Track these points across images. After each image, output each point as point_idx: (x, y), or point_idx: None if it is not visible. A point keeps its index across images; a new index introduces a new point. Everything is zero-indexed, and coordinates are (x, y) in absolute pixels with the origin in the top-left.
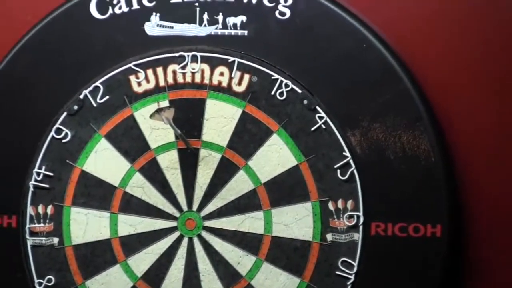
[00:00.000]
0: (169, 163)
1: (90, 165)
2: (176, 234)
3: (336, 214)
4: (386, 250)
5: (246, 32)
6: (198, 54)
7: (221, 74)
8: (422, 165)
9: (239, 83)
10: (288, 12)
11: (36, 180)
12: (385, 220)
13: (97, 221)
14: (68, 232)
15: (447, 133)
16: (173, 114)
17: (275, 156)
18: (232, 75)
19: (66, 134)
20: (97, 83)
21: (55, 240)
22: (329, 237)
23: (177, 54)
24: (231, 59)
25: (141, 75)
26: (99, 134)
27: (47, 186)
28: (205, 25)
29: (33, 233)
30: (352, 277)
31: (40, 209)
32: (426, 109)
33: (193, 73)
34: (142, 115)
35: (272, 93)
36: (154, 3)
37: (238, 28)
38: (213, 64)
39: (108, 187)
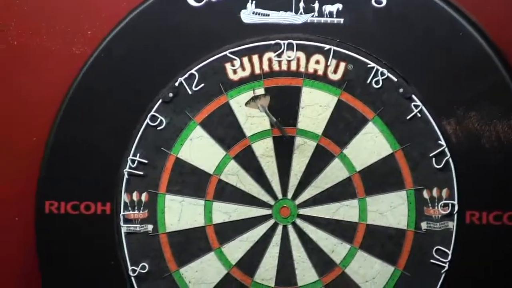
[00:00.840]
0: (264, 150)
1: (185, 152)
2: (271, 222)
3: (431, 203)
4: (481, 239)
5: (342, 20)
6: (294, 42)
7: (317, 62)
8: None
9: (335, 71)
10: (384, 1)
11: (130, 167)
12: (480, 209)
13: (192, 208)
14: (162, 219)
15: None
16: (268, 102)
17: (371, 144)
18: (328, 63)
19: (161, 122)
20: (193, 71)
21: (150, 227)
22: (423, 225)
23: (273, 42)
24: (327, 47)
25: (237, 62)
26: (194, 121)
27: (141, 173)
28: (301, 13)
29: (127, 220)
30: (446, 265)
31: (135, 196)
32: None
33: (288, 61)
34: (238, 102)
35: (368, 81)
36: None
37: (334, 16)
38: (309, 52)
39: (203, 175)
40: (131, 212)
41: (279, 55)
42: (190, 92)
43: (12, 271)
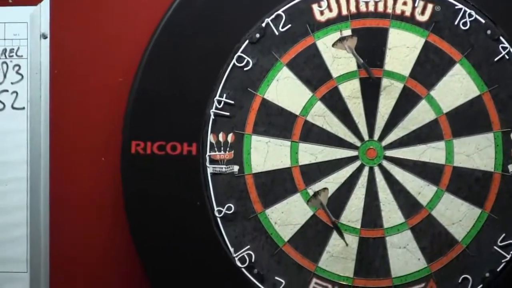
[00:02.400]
0: (351, 92)
1: (271, 93)
2: (357, 164)
3: None
4: None
5: None
6: None
7: (404, 3)
8: None
9: (422, 13)
10: None
11: (217, 108)
12: None
13: (278, 149)
14: (248, 160)
15: None
16: (355, 43)
17: (458, 86)
18: (416, 4)
19: (248, 62)
20: (280, 11)
21: (235, 168)
22: (510, 168)
23: None
24: None
25: (324, 3)
26: (281, 62)
27: (227, 114)
28: None
29: (213, 161)
30: None
31: (221, 137)
32: None
33: (376, 2)
34: (324, 43)
35: (455, 23)
36: None
37: None
38: None
39: (289, 116)
40: (217, 153)
41: None
42: (277, 33)
43: (98, 211)
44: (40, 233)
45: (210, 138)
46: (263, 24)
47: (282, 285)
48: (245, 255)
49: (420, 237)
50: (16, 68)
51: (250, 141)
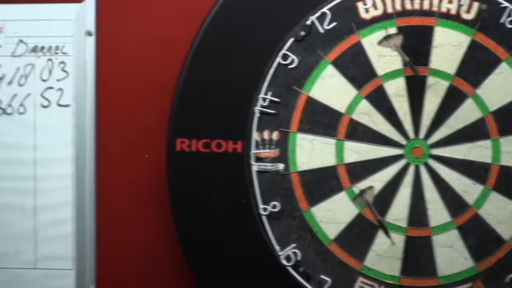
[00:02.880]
0: (396, 90)
1: (316, 91)
2: (403, 162)
3: None
4: None
5: None
6: None
7: (450, 1)
8: None
9: (468, 11)
10: None
11: (262, 106)
12: None
13: (323, 147)
14: (294, 158)
15: None
16: (401, 41)
17: (504, 85)
18: (461, 3)
19: (293, 60)
20: (325, 9)
21: (281, 166)
22: None
23: None
24: None
25: (369, 1)
26: (326, 60)
27: (273, 112)
28: None
29: (258, 159)
30: None
31: (266, 134)
32: None
33: (421, 0)
34: (370, 42)
35: (502, 21)
36: None
37: None
38: None
39: (335, 114)
40: (262, 150)
41: None
42: (322, 31)
43: (143, 208)
44: (85, 230)
45: (256, 136)
46: (308, 22)
47: (328, 283)
48: (291, 254)
49: (467, 236)
50: (62, 65)
51: (295, 139)
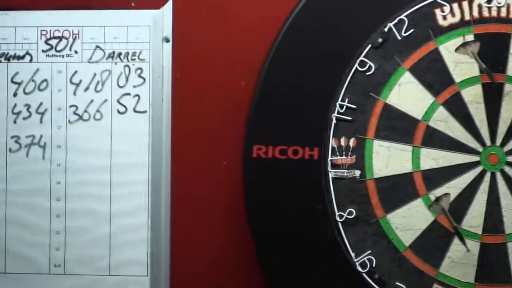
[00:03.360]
0: (473, 97)
1: (393, 98)
2: (479, 169)
3: None
4: None
5: None
6: None
7: None
8: None
9: None
10: None
11: (339, 113)
12: None
13: (400, 154)
14: (370, 165)
15: None
16: (478, 48)
17: None
18: None
19: (370, 67)
20: (402, 16)
21: (357, 172)
22: None
23: None
24: None
25: (447, 8)
26: (403, 67)
27: (350, 118)
28: None
29: (334, 166)
30: None
31: (343, 141)
32: None
33: (498, 8)
34: (447, 48)
35: None
36: None
37: None
38: None
39: (411, 120)
40: (338, 157)
41: (489, 1)
42: (399, 38)
43: (219, 214)
44: (161, 236)
45: (332, 142)
46: (386, 29)
47: None
48: (366, 260)
49: None
50: (138, 71)
51: (372, 145)
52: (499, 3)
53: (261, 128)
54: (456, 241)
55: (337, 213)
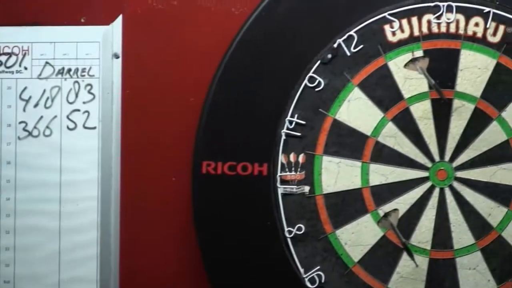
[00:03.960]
0: (422, 113)
1: (342, 114)
2: (428, 185)
3: None
4: None
5: None
6: (454, 4)
7: (476, 24)
8: None
9: (494, 34)
10: None
11: (288, 129)
12: None
13: (349, 170)
14: (319, 181)
15: None
16: (427, 64)
17: None
18: (487, 26)
19: (319, 83)
20: (351, 32)
21: (306, 188)
22: None
23: (432, 4)
24: (486, 9)
25: (396, 24)
26: (352, 83)
27: (299, 134)
28: None
29: (283, 182)
30: None
31: (292, 157)
32: None
33: (448, 23)
34: (396, 64)
35: None
36: None
37: None
38: (468, 14)
39: (360, 136)
40: (288, 173)
41: (438, 17)
42: (348, 54)
43: (169, 231)
44: (110, 253)
45: (281, 158)
46: (335, 45)
47: None
48: (315, 276)
49: (490, 259)
50: (88, 87)
51: (321, 161)
52: (448, 19)
53: (210, 144)
54: (405, 256)
55: (286, 229)
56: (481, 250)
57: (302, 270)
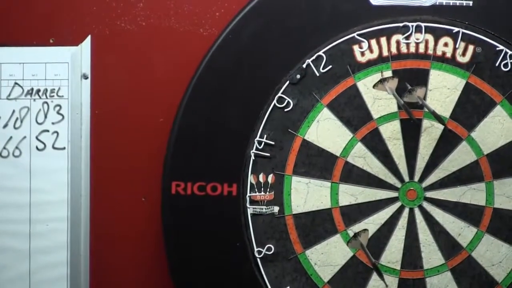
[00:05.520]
0: (391, 133)
1: (311, 134)
2: (397, 205)
3: None
4: None
5: (470, 3)
6: (423, 24)
7: (445, 44)
8: None
9: (463, 54)
10: None
11: (257, 149)
12: None
13: (318, 190)
14: (288, 201)
15: None
16: (396, 84)
17: (498, 128)
18: (457, 46)
19: (289, 103)
20: (320, 53)
21: (276, 209)
22: None
23: (401, 24)
24: (455, 29)
25: (365, 44)
26: (321, 103)
27: (268, 154)
28: None
29: (253, 202)
30: None
31: (261, 177)
32: None
33: (417, 44)
34: (365, 85)
35: (497, 64)
36: None
37: None
38: (437, 34)
39: (330, 157)
40: (257, 193)
41: (407, 38)
42: (317, 74)
43: (138, 251)
44: (80, 273)
45: (251, 179)
46: (304, 65)
47: None
48: None
49: (460, 279)
50: (57, 108)
51: (290, 182)
52: (417, 39)
53: (179, 165)
54: (374, 276)
55: (255, 249)
56: (451, 270)
57: None
